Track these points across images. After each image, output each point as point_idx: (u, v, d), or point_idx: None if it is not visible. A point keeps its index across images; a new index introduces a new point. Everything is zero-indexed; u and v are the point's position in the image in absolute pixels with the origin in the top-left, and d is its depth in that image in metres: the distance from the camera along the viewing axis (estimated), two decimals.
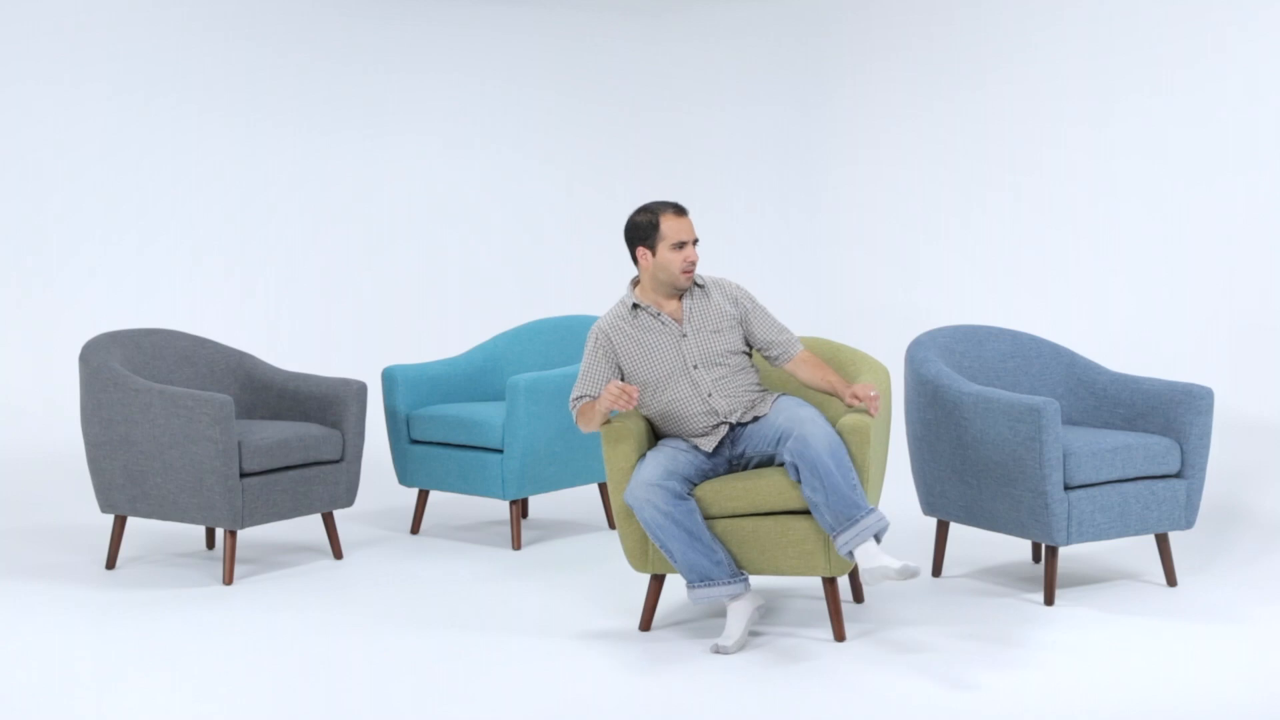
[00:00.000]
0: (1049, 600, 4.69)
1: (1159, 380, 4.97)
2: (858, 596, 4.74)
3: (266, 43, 7.80)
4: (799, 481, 4.16)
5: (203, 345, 5.59)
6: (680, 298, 4.50)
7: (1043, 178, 7.21)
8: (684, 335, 4.44)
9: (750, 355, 4.57)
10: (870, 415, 4.27)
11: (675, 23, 8.62)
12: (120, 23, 7.44)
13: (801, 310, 7.41)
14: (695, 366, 4.42)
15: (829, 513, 4.11)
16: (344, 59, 8.02)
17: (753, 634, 4.38)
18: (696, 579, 4.25)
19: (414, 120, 8.22)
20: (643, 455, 4.39)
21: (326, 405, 5.37)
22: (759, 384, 4.54)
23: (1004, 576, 5.07)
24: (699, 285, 4.52)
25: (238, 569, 5.22)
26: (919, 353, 5.01)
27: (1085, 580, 5.00)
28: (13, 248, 7.24)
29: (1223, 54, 6.49)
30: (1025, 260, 7.28)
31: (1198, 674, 4.00)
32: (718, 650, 4.20)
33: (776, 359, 4.53)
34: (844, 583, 4.93)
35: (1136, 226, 6.83)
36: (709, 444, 4.40)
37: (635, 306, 4.48)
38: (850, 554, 4.11)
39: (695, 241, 4.44)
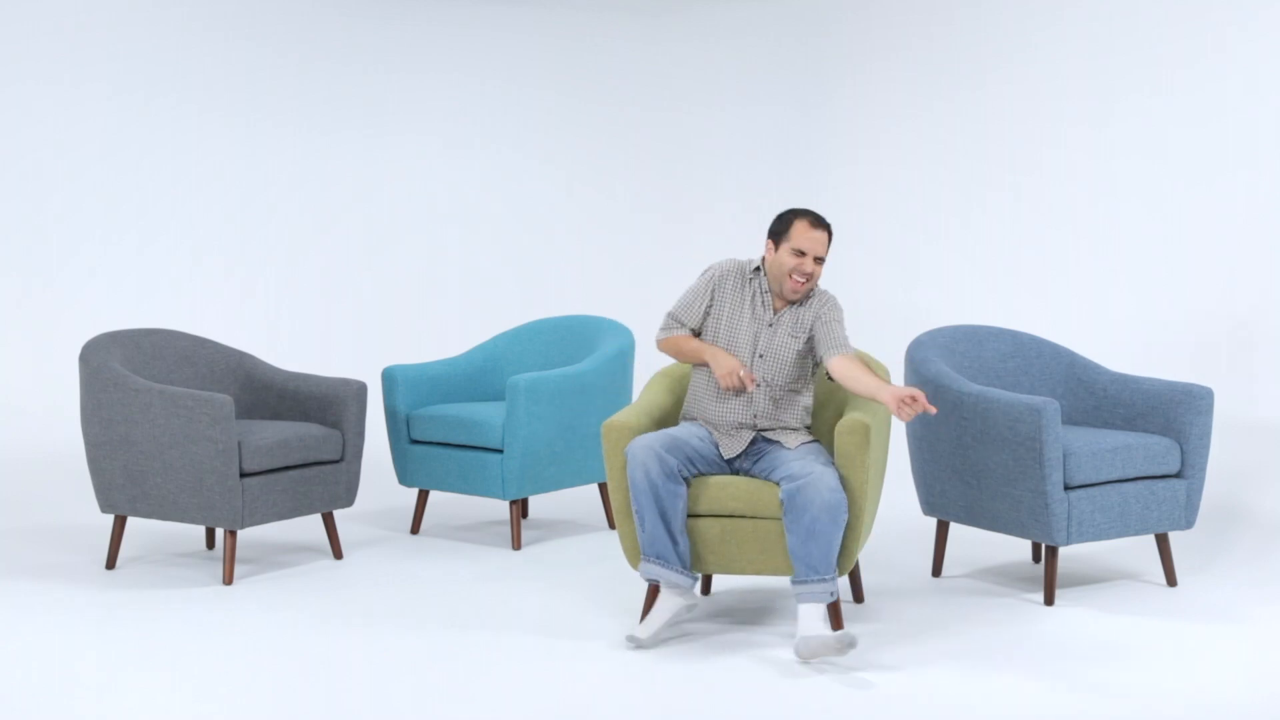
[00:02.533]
0: (1049, 600, 4.69)
1: (1159, 380, 4.97)
2: (858, 596, 4.74)
3: (266, 43, 7.81)
4: (785, 517, 4.17)
5: (203, 345, 5.59)
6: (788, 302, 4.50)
7: (1043, 178, 7.22)
8: (769, 325, 4.47)
9: (811, 378, 4.56)
10: (929, 410, 4.18)
11: (675, 23, 8.62)
12: (120, 23, 7.44)
13: None
14: (761, 355, 4.45)
15: (800, 561, 4.15)
16: (344, 59, 8.02)
17: (749, 631, 4.38)
18: (653, 554, 4.24)
19: (414, 120, 8.22)
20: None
21: (326, 405, 5.37)
22: (807, 413, 4.53)
23: (1004, 576, 5.07)
24: (807, 297, 4.51)
25: (238, 569, 5.22)
26: (919, 353, 5.01)
27: (1085, 580, 5.00)
28: (13, 248, 7.24)
29: (1223, 54, 6.49)
30: (1025, 260, 7.28)
31: (1198, 674, 4.00)
32: (632, 640, 4.20)
33: (820, 358, 4.45)
34: (844, 583, 4.93)
35: (1136, 226, 6.83)
36: (731, 448, 4.41)
37: (757, 270, 4.51)
38: (799, 604, 4.15)
39: (820, 260, 4.40)
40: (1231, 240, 6.47)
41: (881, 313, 7.65)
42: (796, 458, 4.31)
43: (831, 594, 4.16)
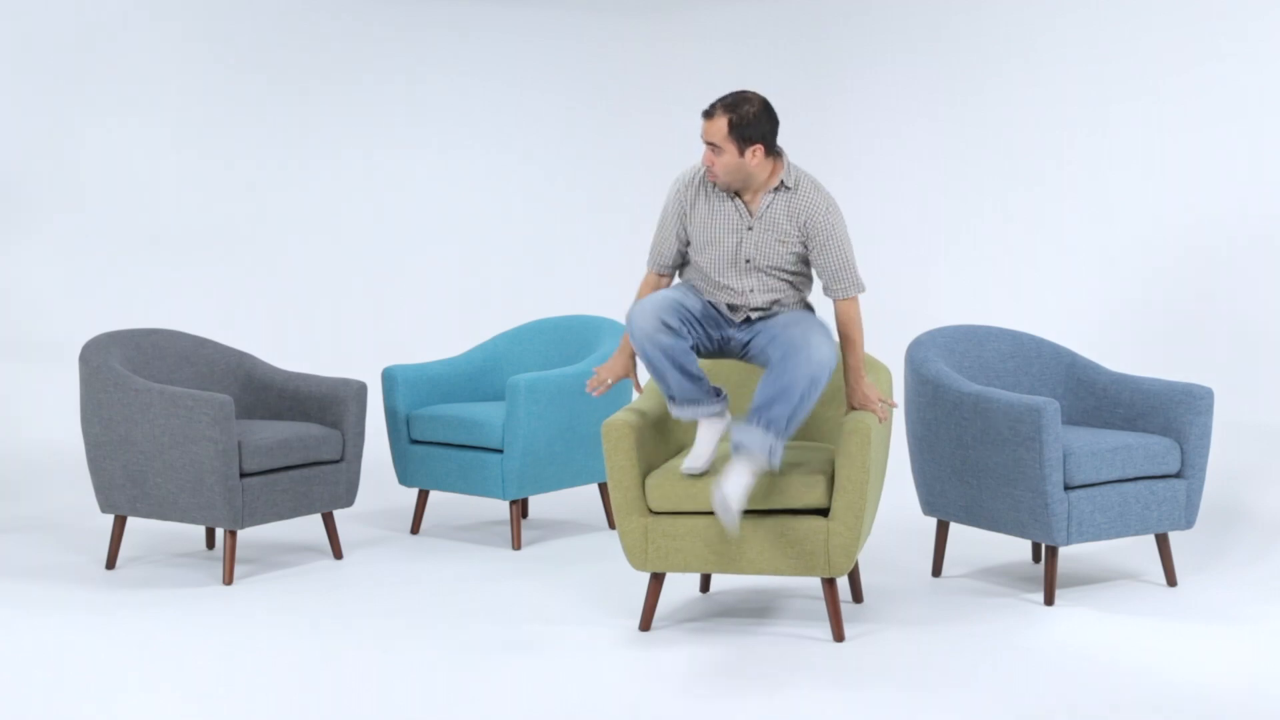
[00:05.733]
0: (1049, 600, 4.69)
1: (1159, 380, 4.97)
2: (857, 597, 4.74)
3: (267, 44, 7.81)
4: (767, 370, 4.19)
5: (203, 345, 5.59)
6: (759, 191, 4.32)
7: (1044, 178, 7.22)
8: (749, 229, 4.33)
9: (810, 276, 4.49)
10: (878, 418, 4.34)
11: (675, 24, 8.63)
12: (122, 23, 7.44)
13: None
14: (748, 261, 4.35)
15: (761, 408, 4.12)
16: (344, 60, 8.02)
17: (749, 631, 4.38)
18: (685, 399, 4.29)
19: (415, 121, 8.22)
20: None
21: (326, 405, 5.37)
22: (803, 300, 4.48)
23: (1004, 576, 5.07)
24: (787, 187, 4.32)
25: (238, 569, 5.22)
26: (919, 353, 5.02)
27: (1085, 580, 5.00)
28: (13, 248, 7.24)
29: (1222, 59, 6.49)
30: (1025, 260, 7.28)
31: (1198, 674, 4.00)
32: (687, 471, 4.28)
33: (826, 293, 4.47)
34: (843, 583, 4.94)
35: (1137, 226, 6.83)
36: (737, 315, 4.41)
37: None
38: (738, 448, 4.14)
39: (713, 148, 4.21)
40: (1232, 240, 6.47)
41: (882, 313, 7.64)
42: (792, 322, 4.28)
43: (771, 452, 4.12)
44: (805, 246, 4.37)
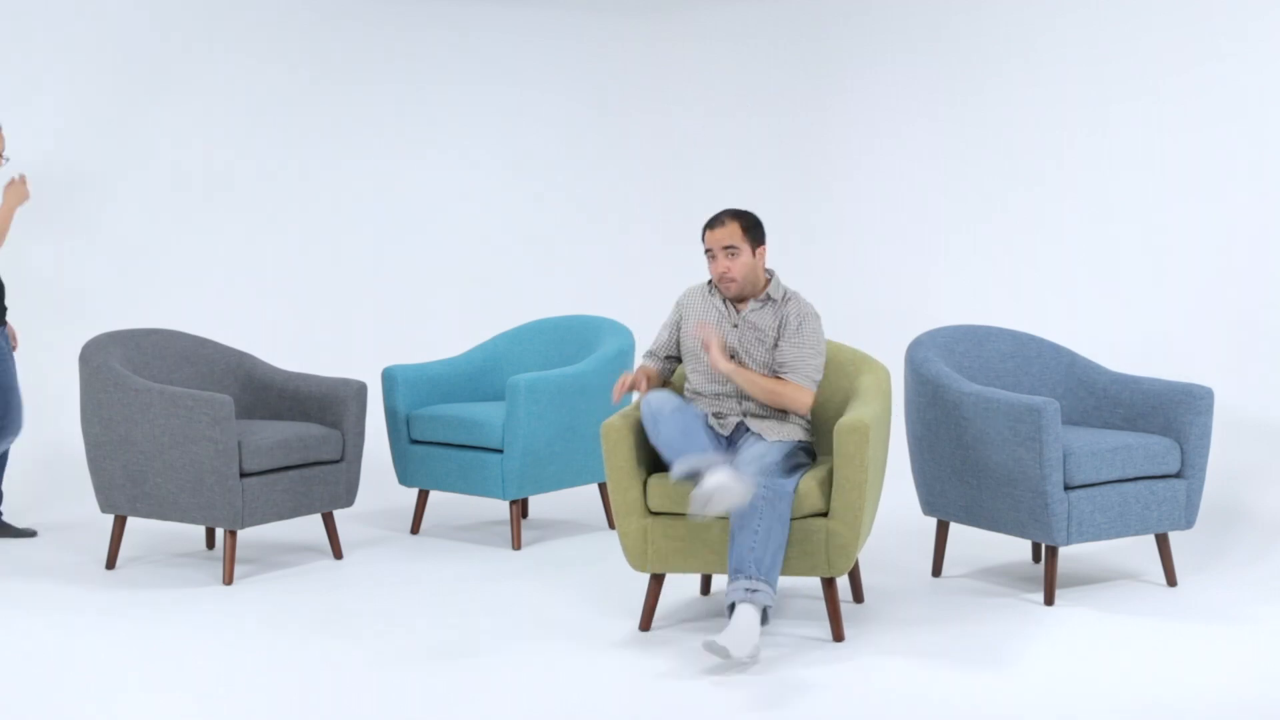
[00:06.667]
0: (1049, 600, 4.69)
1: (1159, 380, 4.97)
2: (857, 597, 4.74)
3: (270, 46, 7.80)
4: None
5: (203, 345, 5.59)
6: (748, 299, 4.59)
7: (1044, 178, 7.22)
8: (734, 326, 4.56)
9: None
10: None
11: (675, 24, 8.63)
12: (125, 22, 7.44)
13: None
14: (731, 356, 4.53)
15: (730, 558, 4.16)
16: (344, 60, 8.02)
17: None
18: (688, 459, 4.20)
19: (414, 120, 8.22)
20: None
21: (326, 405, 5.37)
22: (798, 415, 4.54)
23: (1004, 576, 5.07)
24: (773, 299, 4.56)
25: (238, 569, 5.22)
26: (919, 353, 5.01)
27: (1085, 580, 5.00)
28: (13, 248, 7.24)
29: (1222, 59, 6.49)
30: (1025, 260, 7.28)
31: (1198, 674, 4.00)
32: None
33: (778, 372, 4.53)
34: (843, 583, 4.94)
35: (1137, 226, 6.83)
36: (724, 428, 4.51)
37: (710, 283, 4.66)
38: (732, 605, 4.09)
39: (731, 250, 4.48)
40: (1232, 240, 6.47)
41: (881, 313, 7.65)
42: (749, 457, 4.28)
43: (747, 592, 4.05)
44: (778, 341, 4.52)
